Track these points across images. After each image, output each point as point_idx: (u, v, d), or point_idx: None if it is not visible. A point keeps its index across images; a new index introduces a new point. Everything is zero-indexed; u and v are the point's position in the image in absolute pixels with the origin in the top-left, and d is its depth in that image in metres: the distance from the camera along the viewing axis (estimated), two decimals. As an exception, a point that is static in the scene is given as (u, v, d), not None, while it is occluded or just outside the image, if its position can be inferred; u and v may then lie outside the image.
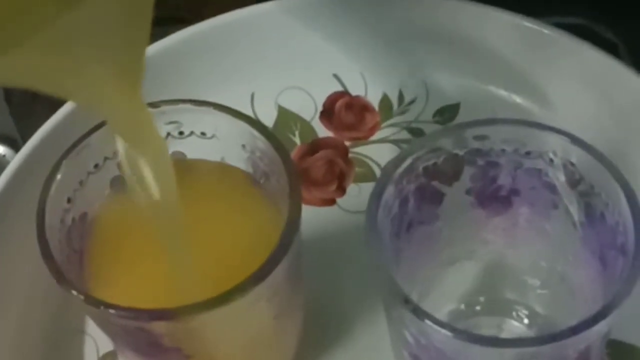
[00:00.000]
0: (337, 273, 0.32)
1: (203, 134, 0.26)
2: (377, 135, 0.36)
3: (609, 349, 0.30)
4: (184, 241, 0.22)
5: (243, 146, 0.25)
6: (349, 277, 0.32)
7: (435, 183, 0.26)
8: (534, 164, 0.25)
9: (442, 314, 0.29)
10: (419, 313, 0.21)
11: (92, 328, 0.30)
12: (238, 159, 0.26)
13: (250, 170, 0.26)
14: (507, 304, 0.30)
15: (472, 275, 0.30)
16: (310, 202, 0.34)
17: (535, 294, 0.29)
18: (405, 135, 0.36)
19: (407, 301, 0.22)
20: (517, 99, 0.36)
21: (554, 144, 0.24)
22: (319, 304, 0.31)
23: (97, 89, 0.20)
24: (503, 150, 0.25)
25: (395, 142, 0.35)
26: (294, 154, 0.35)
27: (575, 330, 0.20)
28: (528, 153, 0.25)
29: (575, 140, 0.24)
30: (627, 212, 0.22)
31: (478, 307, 0.30)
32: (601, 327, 0.21)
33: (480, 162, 0.26)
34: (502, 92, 0.36)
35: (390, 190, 0.24)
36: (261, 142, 0.24)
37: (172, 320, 0.22)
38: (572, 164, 0.24)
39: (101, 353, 0.30)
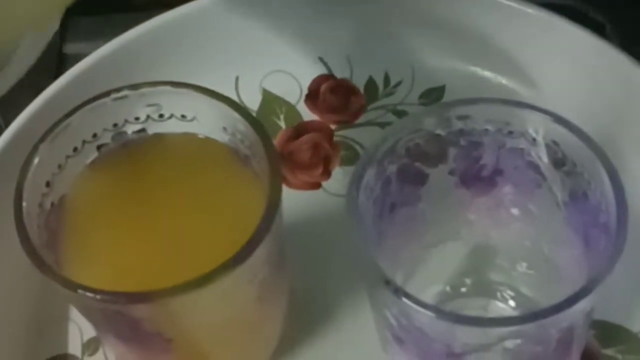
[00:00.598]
0: (322, 256, 0.32)
1: (183, 116, 0.25)
2: (363, 118, 0.35)
3: (595, 329, 0.30)
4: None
5: (224, 128, 0.25)
6: (335, 260, 0.32)
7: (418, 164, 0.26)
8: (517, 143, 0.25)
9: (427, 296, 0.29)
10: (400, 294, 0.21)
11: (75, 314, 0.30)
12: (219, 141, 0.25)
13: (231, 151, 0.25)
14: (493, 285, 0.30)
15: (458, 257, 0.30)
16: (295, 186, 0.34)
17: (521, 275, 0.29)
18: (391, 117, 0.36)
19: (388, 282, 0.21)
20: (503, 80, 0.36)
21: (537, 123, 0.24)
22: (304, 287, 0.31)
23: None
24: (486, 130, 0.25)
25: (381, 124, 0.35)
26: (279, 137, 0.35)
27: (557, 309, 0.20)
28: (511, 132, 0.25)
29: (558, 119, 0.24)
30: (609, 190, 0.22)
31: (464, 289, 0.30)
32: (583, 305, 0.21)
33: (463, 142, 0.25)
34: (488, 74, 0.36)
35: (371, 172, 0.24)
36: (241, 124, 0.24)
37: (150, 303, 0.22)
38: (555, 143, 0.24)
39: (85, 339, 0.30)
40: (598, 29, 0.39)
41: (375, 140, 0.24)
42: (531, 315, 0.20)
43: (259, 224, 0.22)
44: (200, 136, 0.26)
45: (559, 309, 0.20)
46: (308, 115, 0.36)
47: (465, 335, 0.21)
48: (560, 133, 0.24)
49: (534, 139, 0.25)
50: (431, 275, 0.30)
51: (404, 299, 0.21)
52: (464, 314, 0.21)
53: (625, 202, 0.22)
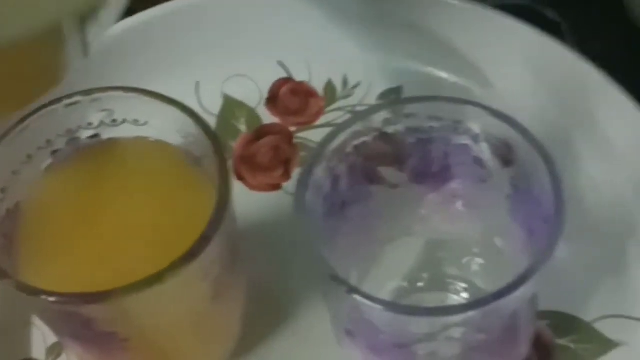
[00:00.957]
0: (282, 255, 0.32)
1: (136, 121, 0.26)
2: (322, 119, 0.36)
3: (549, 319, 0.31)
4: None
5: (176, 132, 0.26)
6: (294, 259, 0.32)
7: (367, 162, 0.26)
8: (462, 139, 0.26)
9: (385, 292, 0.30)
10: (345, 287, 0.22)
11: (39, 319, 0.31)
12: (172, 145, 0.26)
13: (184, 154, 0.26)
14: (449, 279, 0.31)
15: (413, 252, 0.30)
16: (256, 188, 0.35)
17: (475, 268, 0.30)
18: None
19: (334, 277, 0.22)
20: (458, 80, 0.36)
21: (479, 120, 0.25)
22: (264, 286, 0.31)
23: None
24: (432, 127, 0.26)
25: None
26: (239, 141, 0.35)
27: (496, 296, 0.21)
28: (455, 129, 0.25)
29: (498, 115, 0.24)
30: (548, 182, 0.23)
31: (421, 284, 0.31)
32: (523, 292, 0.21)
33: (411, 139, 0.26)
34: (444, 74, 0.36)
35: (319, 170, 0.24)
36: (192, 127, 0.25)
37: (102, 304, 0.22)
38: (497, 139, 0.25)
39: (49, 343, 0.30)
40: (554, 28, 0.40)
41: (322, 139, 0.25)
42: (472, 304, 0.21)
43: (208, 224, 0.22)
44: (153, 140, 0.26)
45: (498, 297, 0.21)
46: (268, 118, 0.36)
47: (410, 326, 0.22)
48: (502, 128, 0.25)
49: (478, 135, 0.25)
50: (388, 271, 0.30)
51: (350, 293, 0.22)
52: (407, 305, 0.21)
53: (562, 193, 0.22)
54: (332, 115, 0.36)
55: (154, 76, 0.36)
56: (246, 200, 0.35)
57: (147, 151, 0.26)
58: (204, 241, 0.22)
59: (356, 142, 0.25)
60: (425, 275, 0.31)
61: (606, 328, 0.30)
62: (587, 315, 0.30)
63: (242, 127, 0.36)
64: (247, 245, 0.32)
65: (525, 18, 0.37)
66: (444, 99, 0.25)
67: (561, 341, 0.30)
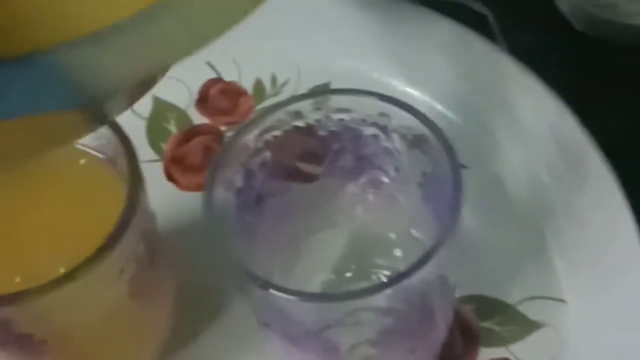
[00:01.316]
0: (214, 254, 0.33)
1: (50, 124, 0.26)
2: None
3: (473, 303, 0.31)
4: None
5: (91, 134, 0.26)
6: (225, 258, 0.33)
7: (280, 155, 0.27)
8: (371, 131, 0.26)
9: (314, 285, 0.30)
10: (251, 277, 0.22)
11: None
12: (87, 147, 0.26)
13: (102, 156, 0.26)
14: (376, 269, 0.31)
15: (338, 244, 0.31)
16: (187, 188, 0.35)
17: (399, 257, 0.30)
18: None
19: (241, 269, 0.22)
20: (383, 76, 0.37)
21: (385, 110, 0.25)
22: (193, 286, 0.31)
23: None
24: (341, 120, 0.26)
25: (269, 123, 0.36)
26: (170, 142, 0.36)
27: (393, 281, 0.21)
28: (364, 120, 0.26)
29: (402, 105, 0.25)
30: (448, 167, 0.24)
31: (349, 274, 0.31)
32: (425, 275, 0.22)
33: (322, 132, 0.27)
34: (371, 70, 0.37)
35: (230, 164, 0.25)
36: (105, 127, 0.25)
37: (16, 305, 0.22)
38: (404, 128, 0.25)
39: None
40: (481, 21, 0.41)
41: (232, 134, 0.25)
42: (371, 288, 0.21)
43: (118, 222, 0.23)
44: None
45: (396, 281, 0.21)
46: (199, 119, 0.37)
47: (316, 312, 0.22)
48: (406, 118, 0.25)
49: (385, 126, 0.26)
50: (315, 264, 0.31)
51: (257, 284, 0.22)
52: (309, 292, 0.22)
53: (460, 179, 0.23)
54: (262, 114, 0.37)
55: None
56: (177, 200, 0.35)
57: (62, 153, 0.26)
58: (113, 239, 0.23)
59: (267, 136, 0.26)
60: (352, 267, 0.31)
61: (529, 309, 0.31)
62: (511, 298, 0.31)
63: (173, 129, 0.36)
64: (177, 245, 0.33)
65: (453, 11, 0.38)
66: (350, 92, 0.26)
67: (486, 324, 0.31)
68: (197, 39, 0.19)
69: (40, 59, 0.17)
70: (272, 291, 0.22)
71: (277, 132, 0.26)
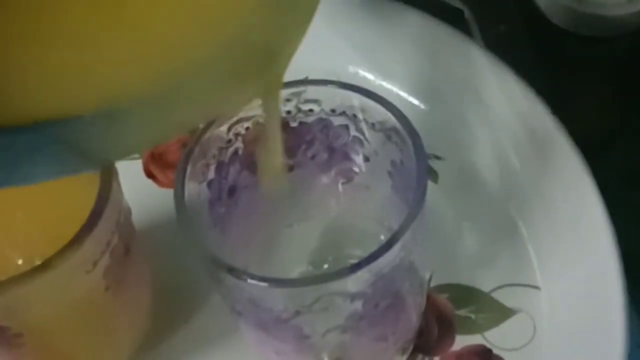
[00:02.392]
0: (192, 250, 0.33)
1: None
2: (230, 114, 0.37)
3: (448, 292, 0.32)
4: None
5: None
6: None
7: (252, 147, 0.27)
8: (341, 121, 0.27)
9: (293, 276, 0.31)
10: (216, 263, 0.23)
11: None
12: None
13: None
14: (353, 259, 0.31)
15: (315, 236, 0.31)
16: (166, 185, 0.35)
17: (375, 247, 0.31)
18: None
19: (207, 254, 0.23)
20: (360, 71, 0.37)
21: (354, 101, 0.26)
22: (171, 282, 0.32)
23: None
24: (311, 110, 0.27)
25: (247, 120, 0.37)
26: (149, 140, 0.36)
27: (358, 265, 0.22)
28: (333, 111, 0.26)
29: (370, 95, 0.25)
30: (414, 156, 0.24)
31: (326, 266, 0.31)
32: (390, 260, 0.22)
33: (293, 123, 0.27)
34: (346, 65, 0.38)
35: (201, 157, 0.25)
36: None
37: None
38: (372, 118, 0.26)
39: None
40: (457, 15, 0.42)
41: (201, 128, 0.25)
42: (332, 274, 0.22)
43: (89, 215, 0.23)
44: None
45: (359, 266, 0.22)
46: (177, 116, 0.37)
47: (284, 299, 0.23)
48: (375, 108, 0.25)
49: (354, 115, 0.26)
50: (292, 256, 0.31)
51: (223, 272, 0.22)
52: (274, 277, 0.22)
53: (424, 163, 0.23)
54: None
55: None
56: (156, 197, 0.35)
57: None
58: (85, 230, 0.23)
59: (239, 128, 0.26)
60: (329, 258, 0.31)
61: (504, 297, 0.31)
62: (485, 285, 0.32)
63: (152, 127, 0.37)
64: (156, 240, 0.33)
65: (430, 6, 0.38)
66: (320, 82, 0.26)
67: (461, 312, 0.31)
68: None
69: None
70: (237, 278, 0.22)
71: (248, 124, 0.26)
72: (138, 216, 0.32)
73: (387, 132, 0.25)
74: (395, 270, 0.23)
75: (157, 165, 0.35)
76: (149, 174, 0.35)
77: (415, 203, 0.23)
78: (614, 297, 0.28)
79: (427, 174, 0.23)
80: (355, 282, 0.23)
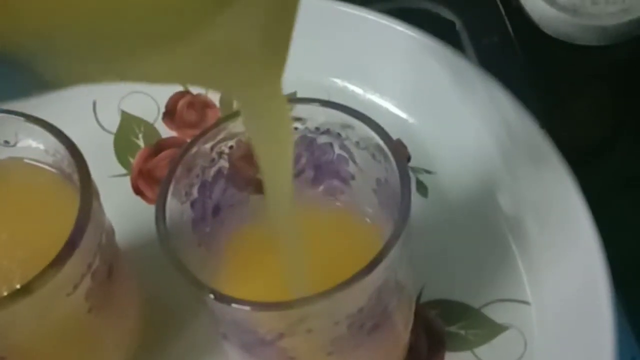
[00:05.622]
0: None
1: (6, 142, 0.26)
2: (219, 130, 0.37)
3: (438, 308, 0.31)
4: None
5: (45, 151, 0.26)
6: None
7: (237, 166, 0.27)
8: (325, 139, 0.26)
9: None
10: (198, 286, 0.22)
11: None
12: (44, 164, 0.27)
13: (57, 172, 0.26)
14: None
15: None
16: (154, 202, 0.33)
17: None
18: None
19: (188, 276, 0.22)
20: (349, 85, 0.37)
21: (337, 119, 0.26)
22: (157, 300, 0.31)
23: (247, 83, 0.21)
24: (296, 129, 0.27)
25: (236, 135, 0.37)
26: (138, 156, 0.36)
27: (339, 288, 0.21)
28: (317, 129, 0.26)
29: (353, 113, 0.25)
30: (397, 174, 0.24)
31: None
32: (374, 281, 0.22)
33: (278, 141, 0.27)
34: (335, 79, 0.37)
35: (183, 176, 0.25)
36: (58, 144, 0.25)
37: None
38: (357, 136, 0.26)
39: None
40: (449, 27, 0.42)
41: (184, 146, 0.25)
42: (313, 297, 0.21)
43: (68, 238, 0.23)
44: (26, 160, 0.27)
45: (340, 289, 0.21)
46: (166, 132, 0.37)
47: (267, 321, 0.22)
48: (359, 126, 0.25)
49: (339, 134, 0.26)
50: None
51: (205, 294, 0.22)
52: (255, 301, 0.22)
53: (408, 182, 0.23)
54: (228, 125, 0.37)
55: (50, 97, 0.36)
56: (145, 214, 0.35)
57: (19, 171, 0.26)
58: (64, 253, 0.23)
59: (222, 147, 0.26)
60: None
61: (494, 312, 0.31)
62: (475, 301, 0.31)
63: (141, 143, 0.37)
64: (143, 258, 0.33)
65: (421, 18, 0.38)
66: (303, 101, 0.26)
67: (452, 328, 0.31)
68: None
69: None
70: (220, 301, 0.22)
71: (231, 143, 0.26)
72: (126, 233, 0.32)
73: (371, 151, 0.25)
74: (380, 291, 0.23)
75: (145, 182, 0.35)
76: (137, 191, 0.35)
77: (399, 224, 0.22)
78: (604, 312, 0.28)
79: (410, 195, 0.23)
80: (336, 304, 0.22)
